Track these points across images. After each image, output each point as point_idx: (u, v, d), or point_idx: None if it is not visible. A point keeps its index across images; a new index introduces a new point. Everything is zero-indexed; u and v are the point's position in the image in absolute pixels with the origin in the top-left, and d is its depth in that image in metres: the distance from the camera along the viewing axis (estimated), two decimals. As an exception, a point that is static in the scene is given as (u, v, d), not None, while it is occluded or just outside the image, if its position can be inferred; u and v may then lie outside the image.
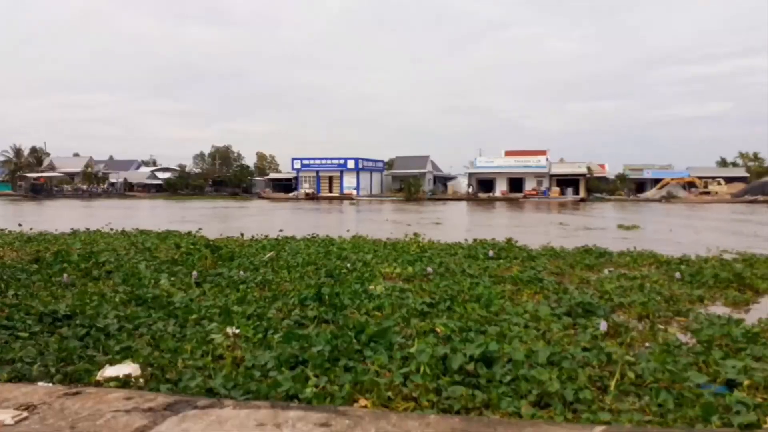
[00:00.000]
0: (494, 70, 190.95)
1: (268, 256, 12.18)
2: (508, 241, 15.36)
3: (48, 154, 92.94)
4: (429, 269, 10.39)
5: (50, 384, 4.53)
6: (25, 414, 3.62)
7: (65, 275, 9.51)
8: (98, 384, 4.53)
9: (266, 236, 17.23)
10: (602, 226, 28.50)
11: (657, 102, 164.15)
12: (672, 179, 74.74)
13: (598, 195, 74.16)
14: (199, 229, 18.54)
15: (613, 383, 4.53)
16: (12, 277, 9.67)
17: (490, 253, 12.95)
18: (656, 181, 77.56)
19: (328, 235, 17.34)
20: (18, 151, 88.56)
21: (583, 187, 73.98)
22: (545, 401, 4.29)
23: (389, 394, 4.41)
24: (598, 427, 3.48)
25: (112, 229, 19.54)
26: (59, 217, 33.69)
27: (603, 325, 6.14)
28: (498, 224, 32.20)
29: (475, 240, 16.01)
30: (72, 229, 19.74)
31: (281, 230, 18.36)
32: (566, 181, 74.92)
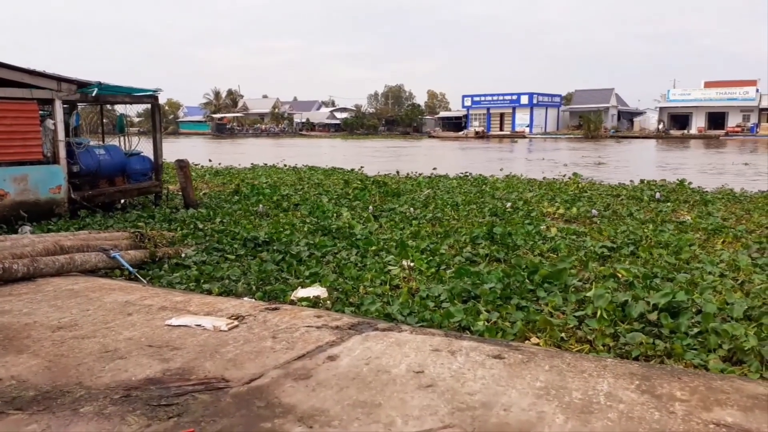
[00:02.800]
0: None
1: (425, 193, 12.46)
2: (681, 182, 14.06)
3: (242, 96, 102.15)
4: (594, 211, 9.92)
5: (253, 299, 5.17)
6: (235, 323, 4.21)
7: (261, 206, 10.61)
8: (292, 303, 5.08)
9: (420, 174, 17.49)
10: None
11: None
12: None
13: (821, 132, 63.21)
14: (361, 167, 19.41)
15: (825, 345, 4.01)
16: (218, 206, 11.02)
17: (658, 195, 11.95)
18: None
19: (480, 174, 17.13)
20: (217, 94, 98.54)
21: (802, 123, 63.51)
22: (738, 357, 3.94)
23: (562, 335, 4.37)
24: (803, 389, 3.14)
25: (285, 165, 21.34)
26: (241, 153, 37.18)
27: (817, 281, 5.39)
28: (677, 164, 29.21)
29: (642, 181, 14.78)
30: (252, 164, 21.89)
31: (435, 168, 18.54)
32: (780, 116, 64.78)
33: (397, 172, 17.76)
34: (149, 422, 2.72)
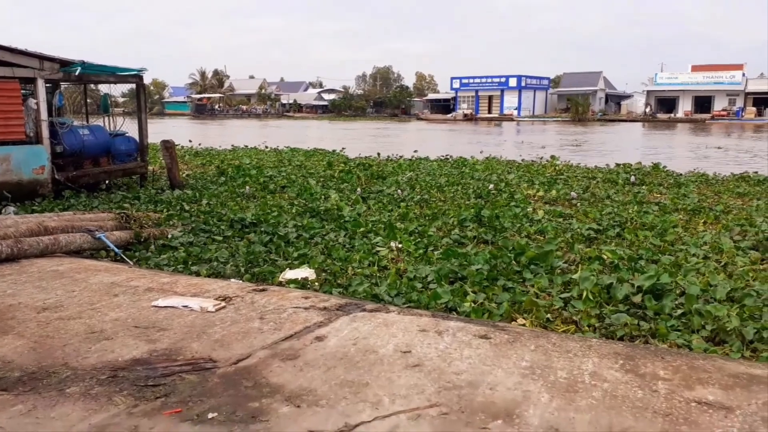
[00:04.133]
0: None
1: (407, 176, 12.50)
2: (655, 165, 14.22)
3: (228, 77, 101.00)
4: (573, 194, 10.03)
5: (240, 281, 5.16)
6: (223, 304, 4.20)
7: (247, 187, 10.55)
8: (280, 284, 5.07)
9: (401, 156, 17.53)
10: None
11: None
12: None
13: (806, 116, 63.86)
14: (343, 148, 19.38)
15: (805, 325, 4.09)
16: (204, 187, 10.95)
17: (633, 178, 12.07)
18: None
19: (461, 156, 17.19)
20: (203, 74, 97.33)
21: (787, 107, 64.05)
22: (720, 338, 4.01)
23: (548, 316, 4.41)
24: (783, 368, 3.21)
25: (267, 147, 21.31)
26: (221, 135, 37.08)
27: (798, 263, 5.48)
28: (656, 148, 29.54)
29: (617, 164, 14.95)
30: (233, 145, 21.84)
31: (416, 151, 18.59)
32: (765, 101, 65.25)
33: (378, 155, 17.76)
34: (136, 402, 2.71)
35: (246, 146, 21.92)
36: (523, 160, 16.58)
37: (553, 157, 15.75)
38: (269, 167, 14.18)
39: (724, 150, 26.33)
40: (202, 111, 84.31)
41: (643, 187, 11.33)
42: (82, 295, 4.42)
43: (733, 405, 2.67)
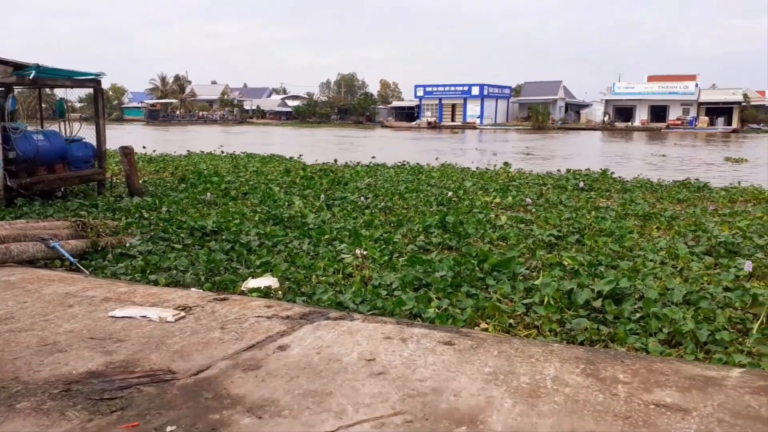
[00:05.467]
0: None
1: (366, 182, 12.54)
2: (604, 172, 14.71)
3: (189, 82, 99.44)
4: (528, 200, 10.27)
5: (201, 290, 5.06)
6: (182, 314, 4.11)
7: (208, 194, 10.38)
8: (242, 294, 4.99)
9: (358, 162, 17.60)
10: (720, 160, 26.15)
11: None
12: None
13: (755, 126, 66.42)
14: (300, 155, 19.34)
15: (756, 326, 4.23)
16: (164, 194, 10.73)
17: (581, 184, 12.42)
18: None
19: (417, 163, 17.37)
20: (163, 80, 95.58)
21: (737, 117, 66.50)
22: (676, 340, 4.11)
23: (511, 321, 4.46)
24: (735, 369, 3.31)
25: (223, 152, 21.22)
26: (174, 141, 36.63)
27: (748, 265, 5.67)
28: (607, 154, 30.69)
29: (568, 170, 15.35)
30: (188, 151, 21.62)
31: (374, 157, 18.70)
32: (717, 110, 67.61)
33: (335, 161, 17.76)
34: (91, 417, 2.62)
35: (202, 152, 21.66)
36: (477, 167, 16.83)
37: (506, 164, 16.04)
38: (227, 173, 14.03)
39: (678, 159, 27.28)
40: (155, 117, 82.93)
41: (592, 192, 11.66)
42: (35, 306, 4.26)
43: (689, 407, 2.73)
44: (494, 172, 15.25)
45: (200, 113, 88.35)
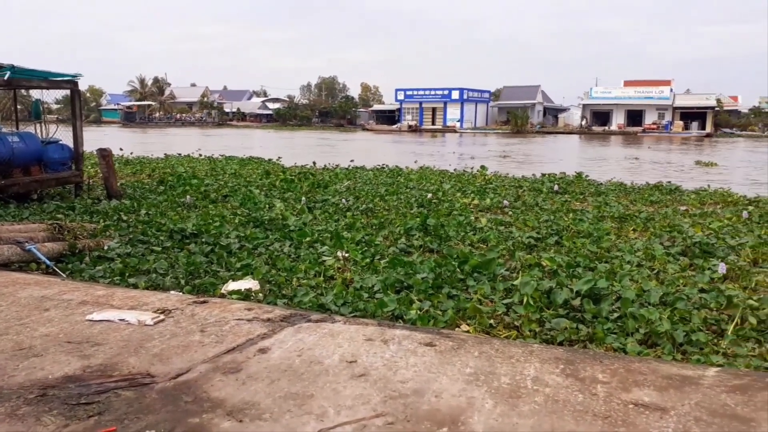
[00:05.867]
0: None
1: (345, 184, 12.57)
2: (578, 175, 14.95)
3: (169, 84, 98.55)
4: (505, 202, 10.40)
5: (181, 293, 5.00)
6: (162, 317, 4.06)
7: (188, 197, 10.28)
8: (222, 296, 4.95)
9: (337, 165, 17.62)
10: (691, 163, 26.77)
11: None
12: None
13: (728, 131, 67.84)
14: (279, 157, 19.28)
15: (731, 327, 4.31)
16: (142, 197, 10.60)
17: (556, 187, 12.62)
18: (798, 115, 69.42)
19: (396, 166, 17.45)
20: (142, 82, 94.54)
21: (711, 122, 67.84)
22: (653, 341, 4.17)
23: (491, 321, 4.48)
24: (711, 368, 3.36)
25: (201, 155, 21.11)
26: (151, 143, 36.46)
27: (722, 267, 5.78)
28: (582, 157, 31.19)
29: (543, 174, 15.57)
30: (165, 154, 21.48)
31: (352, 160, 18.76)
32: (691, 115, 68.97)
33: (314, 163, 17.74)
34: (67, 422, 2.58)
35: (179, 154, 21.49)
36: (455, 170, 16.96)
37: (482, 167, 16.18)
38: (205, 175, 13.92)
39: (653, 162, 27.77)
40: (132, 119, 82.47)
41: (566, 195, 11.81)
42: (10, 310, 4.18)
43: (667, 406, 2.77)
44: (471, 175, 15.38)
45: (177, 115, 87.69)
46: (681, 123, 68.03)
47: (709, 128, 66.92)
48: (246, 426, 2.55)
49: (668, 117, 69.87)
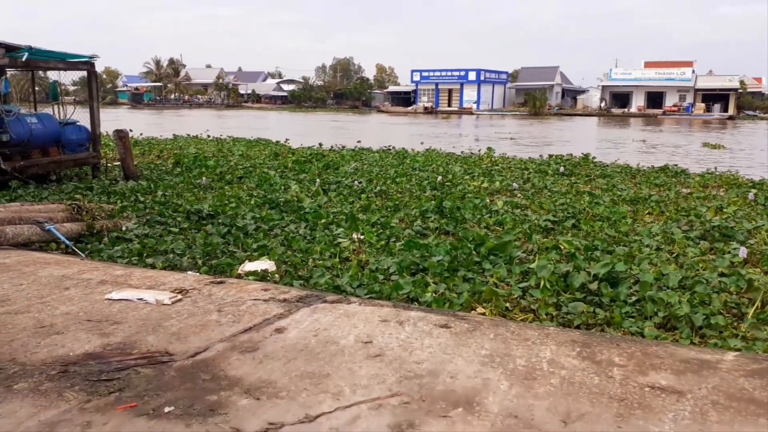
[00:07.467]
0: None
1: (352, 166, 12.55)
2: (585, 156, 14.79)
3: (184, 66, 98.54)
4: (515, 185, 10.32)
5: (198, 273, 5.05)
6: (179, 297, 4.11)
7: (204, 178, 10.34)
8: (239, 277, 4.99)
9: (343, 147, 17.57)
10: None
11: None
12: None
13: (751, 113, 66.46)
14: (287, 139, 19.26)
15: (751, 311, 4.26)
16: (159, 178, 10.68)
17: (562, 168, 12.51)
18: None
19: (403, 148, 17.37)
20: (157, 63, 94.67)
21: (733, 104, 66.47)
22: (671, 324, 4.14)
23: (507, 305, 4.47)
24: (730, 353, 3.33)
25: (209, 136, 21.20)
26: (160, 124, 36.65)
27: (743, 251, 5.70)
28: (593, 140, 31.02)
29: (550, 156, 15.41)
30: (174, 135, 21.58)
31: (359, 141, 18.71)
32: (714, 97, 67.56)
33: (320, 145, 17.70)
34: (89, 398, 2.62)
35: (188, 135, 21.56)
36: (462, 152, 16.83)
37: (489, 149, 16.06)
38: (211, 156, 13.99)
39: (667, 145, 27.37)
40: (139, 101, 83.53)
41: (572, 177, 11.72)
42: (31, 289, 4.25)
43: (684, 389, 2.75)
44: (478, 157, 15.29)
45: (186, 97, 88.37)
46: (703, 105, 66.75)
47: (731, 110, 65.60)
48: (263, 403, 2.57)
49: (690, 99, 68.56)
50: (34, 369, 2.91)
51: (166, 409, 2.52)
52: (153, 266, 5.31)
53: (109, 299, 4.01)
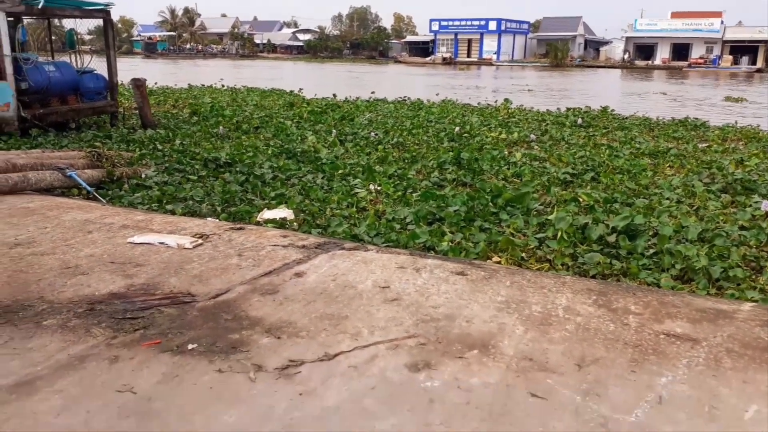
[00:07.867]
0: None
1: (367, 117, 12.46)
2: (604, 109, 14.53)
3: (199, 15, 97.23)
4: (532, 136, 10.22)
5: (217, 220, 5.11)
6: (200, 241, 4.18)
7: (221, 127, 10.34)
8: (258, 224, 5.04)
9: (357, 98, 17.36)
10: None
11: None
12: None
13: (779, 66, 64.29)
14: (300, 89, 19.04)
15: (770, 264, 4.23)
16: (176, 127, 10.70)
17: (579, 120, 12.34)
18: None
19: (418, 99, 17.10)
20: (172, 12, 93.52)
21: (763, 56, 64.27)
22: (689, 276, 4.14)
23: (523, 255, 4.49)
24: (747, 303, 3.33)
25: (223, 86, 21.07)
26: (175, 74, 36.43)
27: (765, 205, 5.62)
28: (611, 92, 30.28)
29: (567, 108, 15.12)
30: (189, 84, 21.50)
31: (373, 92, 18.47)
32: (742, 49, 65.29)
33: (334, 96, 17.52)
34: (115, 334, 2.71)
35: (203, 85, 21.48)
36: (478, 103, 16.57)
37: (506, 100, 15.80)
38: (228, 107, 13.93)
39: (688, 98, 26.72)
40: (152, 50, 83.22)
41: (590, 129, 11.55)
42: (55, 232, 4.34)
43: (699, 337, 2.77)
44: (494, 109, 15.08)
45: (199, 47, 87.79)
46: (730, 57, 64.63)
47: (760, 63, 63.49)
48: (284, 342, 2.64)
49: (717, 51, 66.40)
50: (61, 307, 3.01)
51: (190, 346, 2.60)
52: (173, 212, 5.38)
53: (132, 243, 4.09)
